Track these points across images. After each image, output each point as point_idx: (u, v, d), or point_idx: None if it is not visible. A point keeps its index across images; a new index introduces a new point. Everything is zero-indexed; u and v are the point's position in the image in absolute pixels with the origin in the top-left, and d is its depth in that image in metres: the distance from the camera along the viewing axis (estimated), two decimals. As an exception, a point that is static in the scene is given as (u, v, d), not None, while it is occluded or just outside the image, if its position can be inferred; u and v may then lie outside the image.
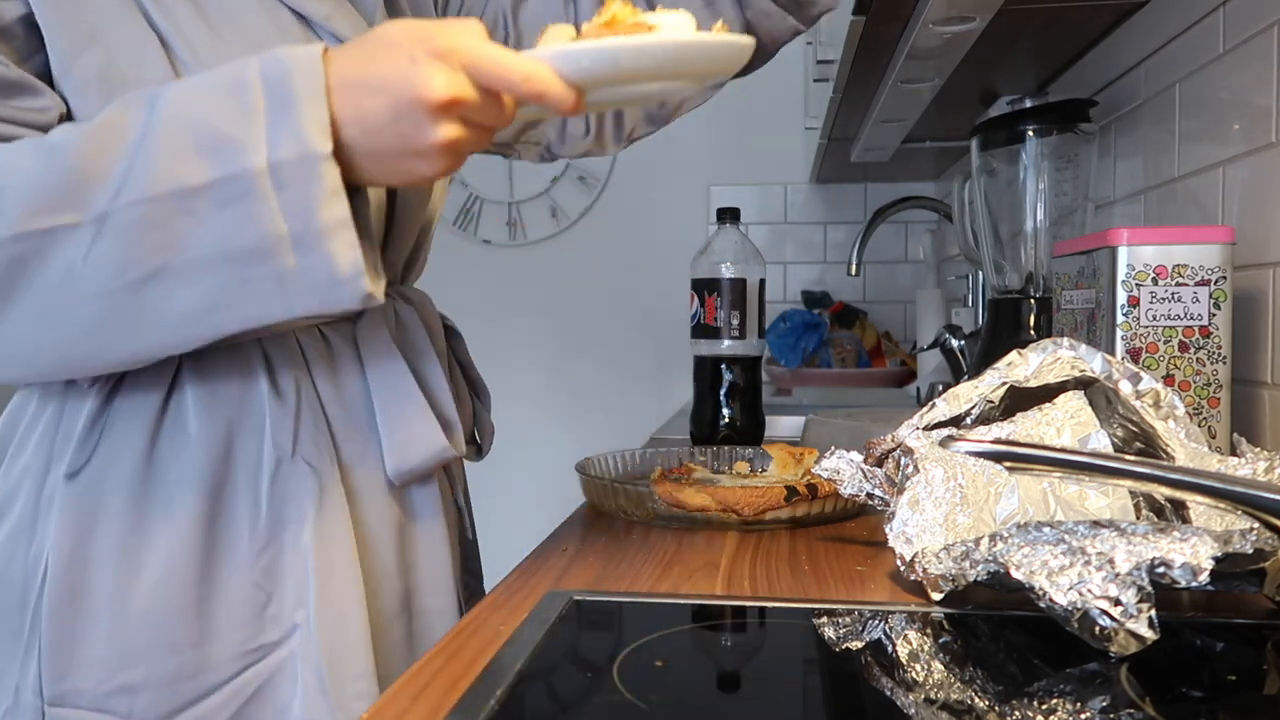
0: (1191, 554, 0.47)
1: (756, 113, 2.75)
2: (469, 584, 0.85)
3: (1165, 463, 0.61)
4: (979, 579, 0.53)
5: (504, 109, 0.57)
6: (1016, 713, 0.42)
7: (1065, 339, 0.68)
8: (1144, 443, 0.65)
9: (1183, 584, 0.47)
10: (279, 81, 0.55)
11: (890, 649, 0.51)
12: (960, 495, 0.64)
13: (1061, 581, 0.48)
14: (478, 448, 0.85)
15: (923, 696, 0.44)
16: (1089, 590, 0.47)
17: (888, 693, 0.45)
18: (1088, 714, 0.42)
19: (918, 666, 0.48)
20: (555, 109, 0.56)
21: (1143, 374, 0.65)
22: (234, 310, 0.58)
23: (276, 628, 0.67)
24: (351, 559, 0.69)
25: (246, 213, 0.54)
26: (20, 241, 0.55)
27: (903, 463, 0.66)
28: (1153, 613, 0.46)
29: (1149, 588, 0.47)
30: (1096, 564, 0.48)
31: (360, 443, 0.72)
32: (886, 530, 0.63)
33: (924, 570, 0.57)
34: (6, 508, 0.68)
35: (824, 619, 0.55)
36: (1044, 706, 0.43)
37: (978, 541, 0.54)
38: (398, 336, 0.74)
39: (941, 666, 0.48)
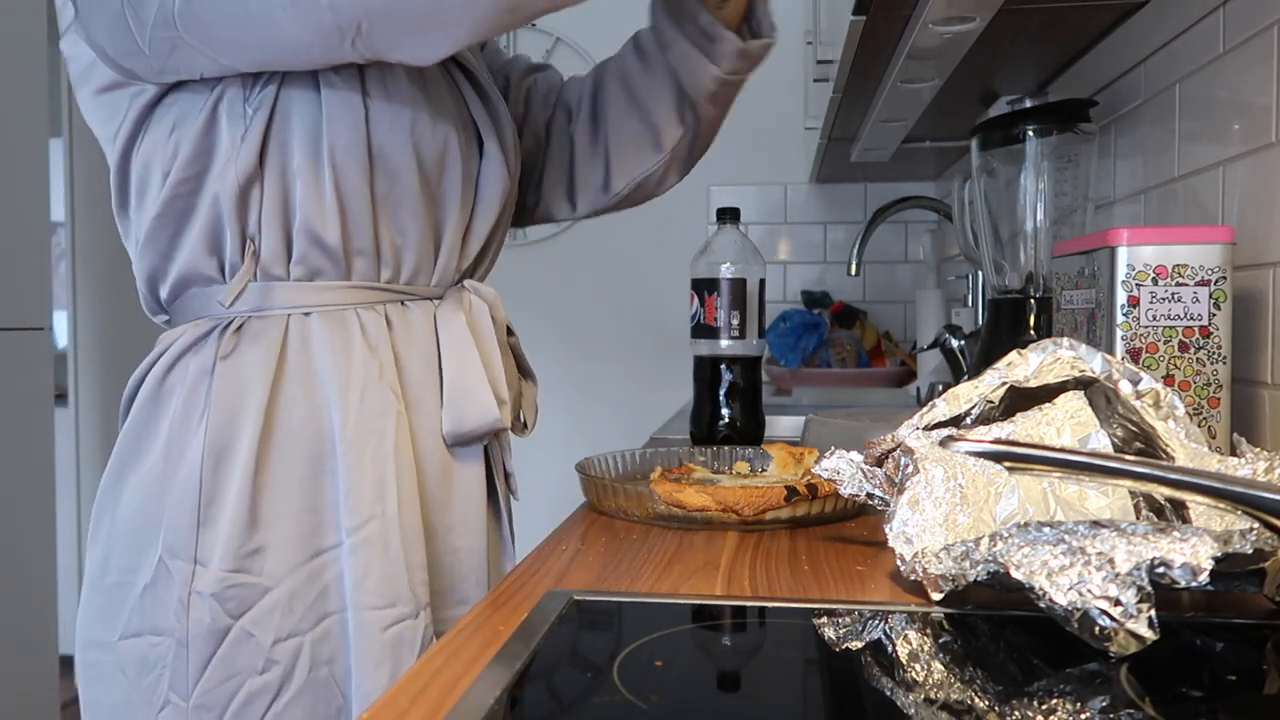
0: (1191, 554, 0.47)
1: (756, 113, 2.75)
2: (503, 536, 0.96)
3: (1165, 463, 0.61)
4: (979, 579, 0.53)
5: None
6: (1016, 713, 0.42)
7: (1065, 339, 0.68)
8: (1144, 443, 0.65)
9: (1183, 584, 0.47)
10: None
11: (890, 649, 0.51)
12: (960, 495, 0.64)
13: (1061, 581, 0.48)
14: (524, 424, 0.97)
15: (923, 696, 0.44)
16: (1089, 590, 0.47)
17: (888, 693, 0.45)
18: (1088, 714, 0.42)
19: (918, 666, 0.48)
20: None
21: (1143, 374, 0.65)
22: None
23: (355, 515, 0.81)
24: (414, 473, 0.84)
25: None
26: None
27: (903, 463, 0.66)
28: (1153, 613, 0.46)
29: (1149, 588, 0.47)
30: (1096, 564, 0.48)
31: (420, 393, 0.86)
32: (886, 530, 0.62)
33: (924, 570, 0.57)
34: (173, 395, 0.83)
35: (824, 619, 0.55)
36: (1044, 706, 0.43)
37: (978, 541, 0.54)
38: (470, 321, 0.88)
39: (941, 666, 0.48)
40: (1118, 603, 0.46)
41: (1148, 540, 0.48)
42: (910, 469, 0.65)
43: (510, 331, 0.96)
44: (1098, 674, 0.46)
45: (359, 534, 0.80)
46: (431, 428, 0.86)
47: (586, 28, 2.82)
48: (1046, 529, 0.51)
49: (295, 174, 0.81)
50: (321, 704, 0.80)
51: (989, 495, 0.64)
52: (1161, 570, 0.47)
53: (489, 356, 0.88)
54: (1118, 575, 0.47)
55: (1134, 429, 0.65)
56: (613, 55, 1.02)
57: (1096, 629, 0.47)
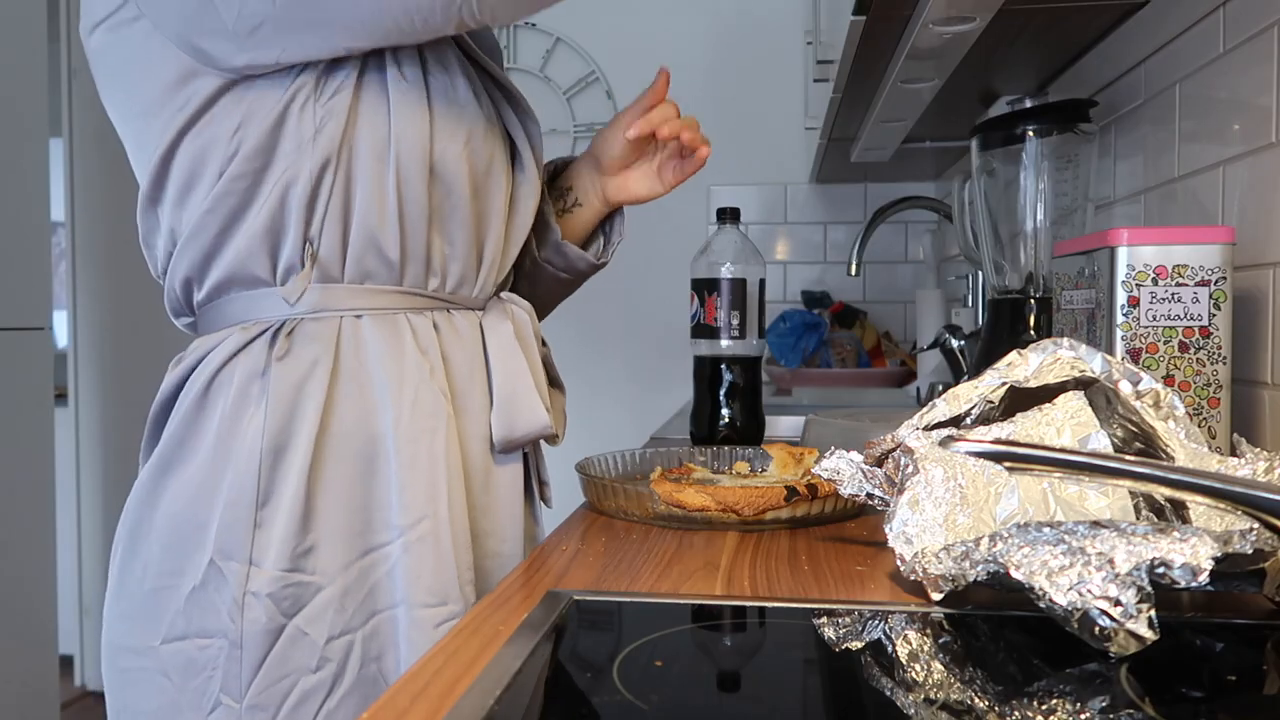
0: (1191, 554, 0.47)
1: (756, 113, 2.75)
2: (539, 542, 0.97)
3: (1165, 463, 0.61)
4: (979, 579, 0.53)
5: None
6: (1016, 713, 0.42)
7: (1065, 339, 0.68)
8: (1144, 443, 0.65)
9: (1183, 584, 0.47)
10: None
11: (890, 649, 0.51)
12: (960, 495, 0.64)
13: (1061, 581, 0.48)
14: (554, 434, 0.95)
15: (923, 696, 0.44)
16: (1089, 590, 0.47)
17: (888, 693, 0.45)
18: (1088, 714, 0.42)
19: (918, 666, 0.48)
20: None
21: (1143, 374, 0.65)
22: None
23: (408, 513, 0.82)
24: (461, 474, 0.85)
25: None
26: None
27: (903, 463, 0.66)
28: (1152, 613, 0.46)
29: (1149, 588, 0.47)
30: (1096, 564, 0.48)
31: (466, 398, 0.87)
32: (886, 530, 0.63)
33: (924, 570, 0.57)
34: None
35: (824, 619, 0.55)
36: (1044, 706, 0.43)
37: (978, 541, 0.54)
38: (516, 331, 0.90)
39: (941, 666, 0.48)
40: (1118, 603, 0.46)
41: (1148, 540, 0.48)
42: (910, 469, 0.65)
43: (543, 343, 0.98)
44: (1098, 674, 0.46)
45: (413, 531, 0.81)
46: (475, 432, 0.88)
47: (587, 28, 2.82)
48: (1046, 529, 0.51)
49: (361, 178, 0.82)
50: (370, 701, 0.79)
51: (989, 495, 0.64)
52: (1161, 570, 0.47)
53: (534, 365, 0.90)
54: (1118, 575, 0.47)
55: (1134, 429, 0.65)
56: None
57: (1096, 629, 0.47)
